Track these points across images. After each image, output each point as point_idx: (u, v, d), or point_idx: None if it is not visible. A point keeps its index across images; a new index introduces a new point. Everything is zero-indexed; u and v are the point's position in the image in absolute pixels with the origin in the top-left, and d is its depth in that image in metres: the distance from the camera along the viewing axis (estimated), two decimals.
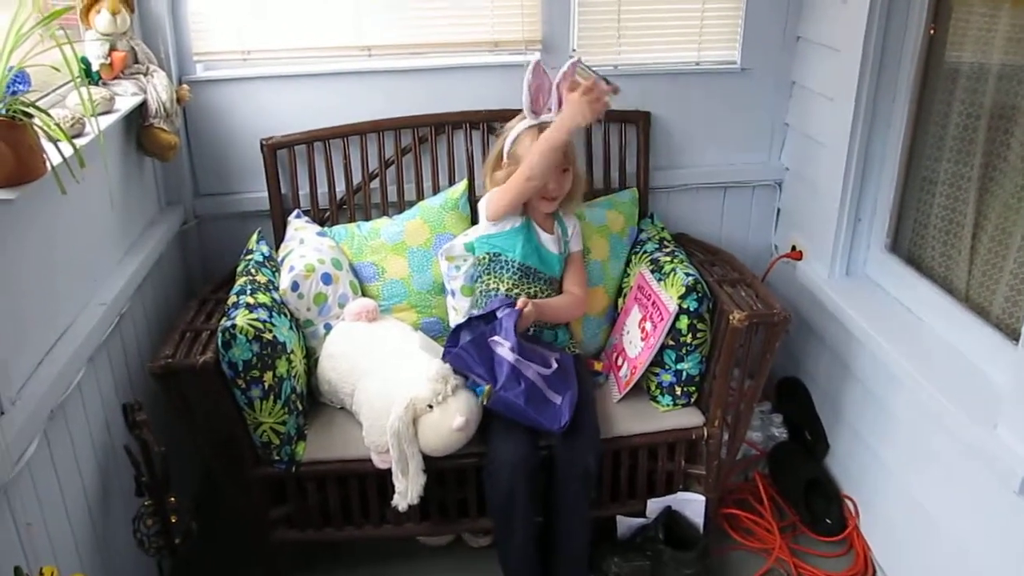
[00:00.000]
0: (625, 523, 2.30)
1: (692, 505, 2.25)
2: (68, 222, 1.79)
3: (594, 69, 2.16)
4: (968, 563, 1.88)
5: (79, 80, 1.67)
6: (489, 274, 2.27)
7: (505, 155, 2.25)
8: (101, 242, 1.99)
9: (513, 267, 2.24)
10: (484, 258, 2.28)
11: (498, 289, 2.25)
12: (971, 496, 1.86)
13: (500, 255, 2.26)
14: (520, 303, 2.12)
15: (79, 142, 1.68)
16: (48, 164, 1.53)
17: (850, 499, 2.43)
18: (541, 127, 2.18)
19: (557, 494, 2.07)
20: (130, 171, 2.19)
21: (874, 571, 2.28)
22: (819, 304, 2.47)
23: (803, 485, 2.45)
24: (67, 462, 1.69)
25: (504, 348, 2.03)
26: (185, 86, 2.32)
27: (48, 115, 1.54)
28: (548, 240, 2.30)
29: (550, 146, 2.10)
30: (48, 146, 1.54)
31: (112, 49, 2.10)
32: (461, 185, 2.48)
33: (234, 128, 2.49)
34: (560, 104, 2.17)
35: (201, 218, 2.56)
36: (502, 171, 2.25)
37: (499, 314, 2.10)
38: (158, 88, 2.16)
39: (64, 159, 1.54)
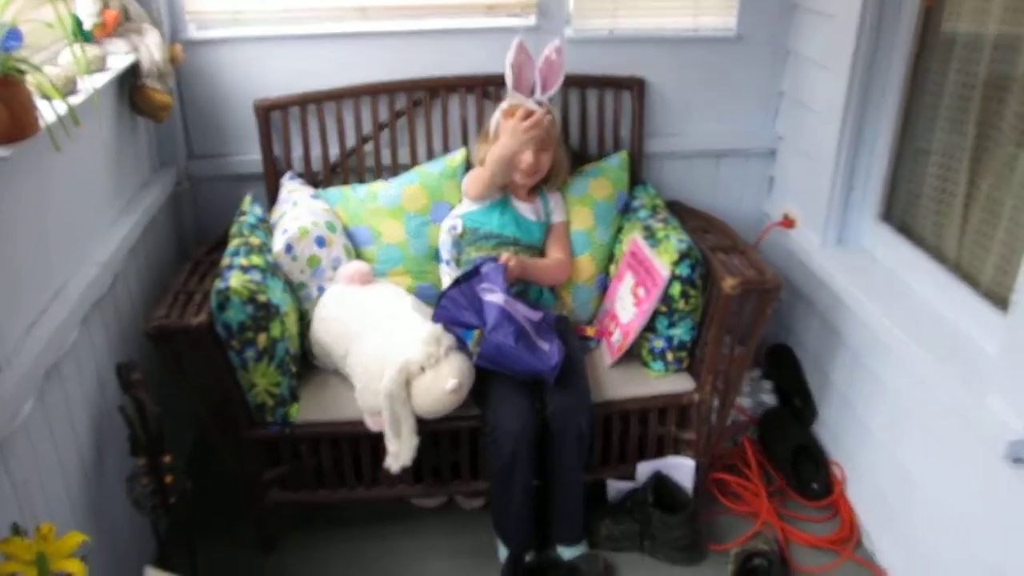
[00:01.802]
0: (615, 487, 2.33)
1: (682, 469, 2.28)
2: (62, 181, 1.78)
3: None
4: (954, 528, 1.91)
5: (71, 38, 1.65)
6: (471, 245, 2.34)
7: (491, 132, 2.33)
8: (95, 202, 1.98)
9: (492, 236, 2.32)
10: (467, 232, 2.34)
11: (480, 257, 2.30)
12: (958, 462, 1.89)
13: (479, 228, 2.33)
14: (504, 258, 2.18)
15: (72, 100, 1.67)
16: (42, 122, 1.52)
17: (837, 464, 2.46)
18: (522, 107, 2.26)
19: (553, 457, 2.10)
20: (123, 131, 2.18)
21: (859, 535, 2.31)
22: (810, 272, 2.48)
23: (791, 451, 2.48)
24: (62, 422, 1.69)
25: (492, 295, 2.06)
26: (179, 45, 2.30)
27: (42, 72, 1.52)
28: (527, 209, 2.38)
29: (496, 162, 2.25)
30: (41, 104, 1.53)
31: (104, 7, 2.07)
32: (460, 153, 2.47)
33: (227, 89, 2.47)
34: (544, 86, 2.27)
35: (194, 179, 2.55)
36: (485, 146, 2.34)
37: (484, 269, 2.13)
38: (151, 47, 2.14)
39: (59, 117, 1.52)
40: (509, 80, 2.23)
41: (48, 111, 1.54)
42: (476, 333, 2.05)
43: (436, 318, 2.08)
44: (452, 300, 2.08)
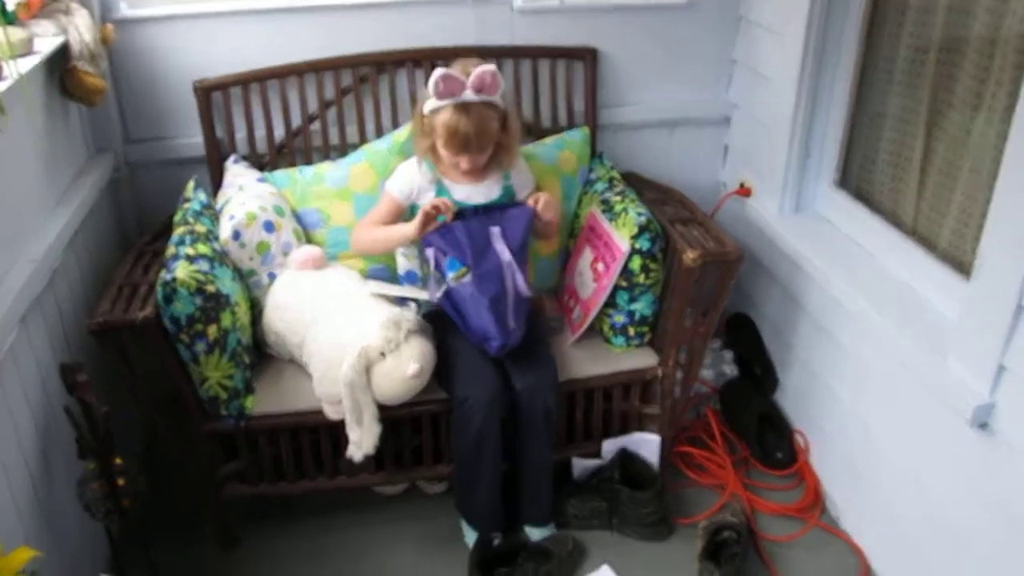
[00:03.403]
0: (581, 465, 2.30)
1: (647, 444, 2.27)
2: None
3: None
4: (919, 494, 1.92)
5: None
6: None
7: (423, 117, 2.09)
8: (27, 195, 1.88)
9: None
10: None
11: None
12: (921, 427, 1.90)
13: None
14: (533, 200, 2.12)
15: None
16: None
17: (800, 433, 2.47)
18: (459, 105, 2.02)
19: (521, 436, 2.08)
20: (54, 118, 2.07)
21: (824, 502, 2.33)
22: (769, 240, 2.47)
23: (754, 420, 2.48)
24: (4, 426, 1.61)
25: (502, 244, 2.05)
26: (109, 25, 2.19)
27: None
28: (473, 191, 2.16)
29: (400, 238, 2.16)
30: None
31: None
32: (408, 128, 2.39)
33: (164, 70, 2.36)
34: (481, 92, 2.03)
35: (133, 165, 2.44)
36: (426, 139, 2.11)
37: (513, 210, 2.12)
38: (80, 28, 2.03)
39: None
40: (431, 91, 2.02)
41: None
42: (464, 268, 2.01)
43: (428, 239, 2.06)
44: (453, 234, 2.05)
